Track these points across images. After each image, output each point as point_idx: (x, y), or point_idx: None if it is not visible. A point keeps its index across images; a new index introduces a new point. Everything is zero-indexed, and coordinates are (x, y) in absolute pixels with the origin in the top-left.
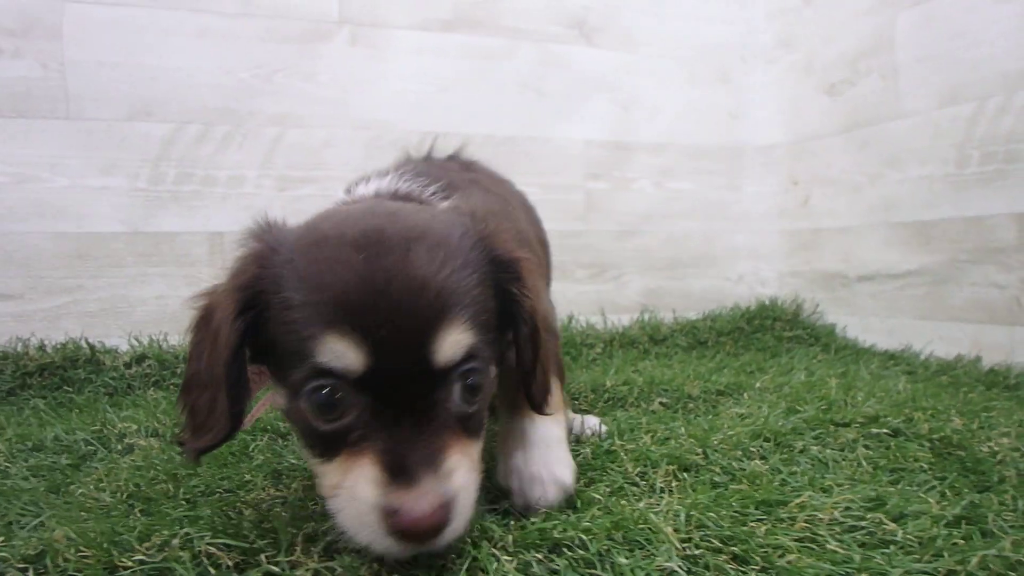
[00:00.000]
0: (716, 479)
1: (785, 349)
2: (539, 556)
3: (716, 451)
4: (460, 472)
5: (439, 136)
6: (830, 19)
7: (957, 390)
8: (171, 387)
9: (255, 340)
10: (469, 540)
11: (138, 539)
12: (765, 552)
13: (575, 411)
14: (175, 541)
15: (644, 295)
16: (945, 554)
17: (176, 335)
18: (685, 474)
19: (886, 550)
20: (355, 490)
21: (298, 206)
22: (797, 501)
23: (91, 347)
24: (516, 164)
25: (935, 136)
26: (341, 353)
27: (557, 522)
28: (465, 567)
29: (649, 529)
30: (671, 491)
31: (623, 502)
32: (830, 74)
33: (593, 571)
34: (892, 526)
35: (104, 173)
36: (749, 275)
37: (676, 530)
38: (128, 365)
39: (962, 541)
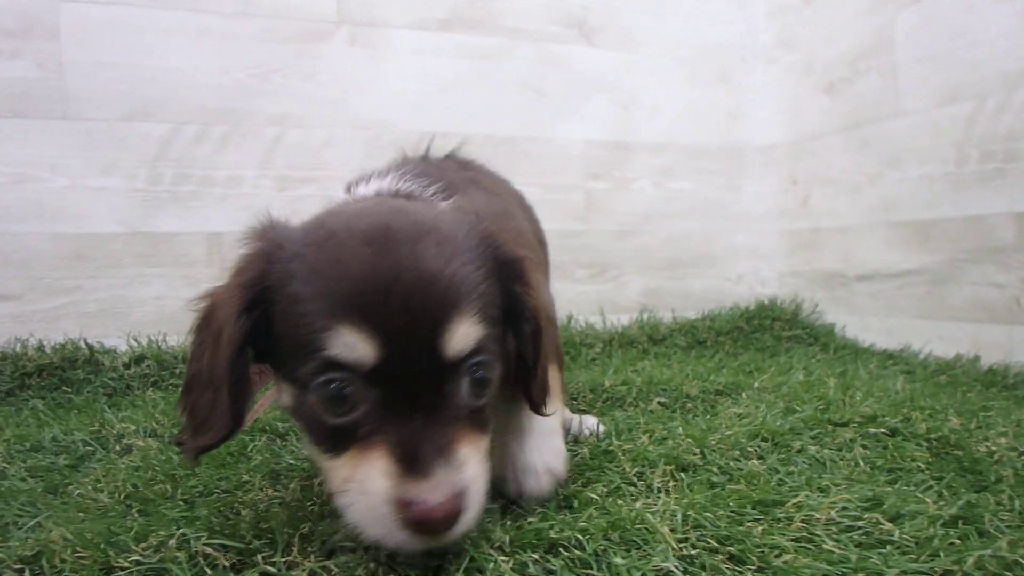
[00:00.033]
0: (713, 479)
1: (784, 349)
2: (535, 556)
3: (714, 451)
4: (471, 464)
5: (439, 136)
6: (830, 19)
7: (955, 390)
8: (170, 388)
9: (259, 338)
10: (468, 540)
11: (135, 540)
12: (761, 552)
13: (573, 411)
14: (172, 542)
15: (644, 295)
16: (941, 554)
17: (175, 335)
18: (682, 474)
19: (882, 550)
20: (367, 483)
21: (297, 206)
22: (794, 501)
23: (90, 348)
24: (516, 164)
25: (934, 135)
26: (353, 345)
27: (553, 522)
28: (463, 567)
29: (646, 529)
30: (668, 491)
31: (620, 502)
32: (830, 73)
33: (589, 571)
34: (889, 526)
35: (102, 173)
36: (749, 275)
37: (673, 530)
38: (127, 366)
39: (958, 541)
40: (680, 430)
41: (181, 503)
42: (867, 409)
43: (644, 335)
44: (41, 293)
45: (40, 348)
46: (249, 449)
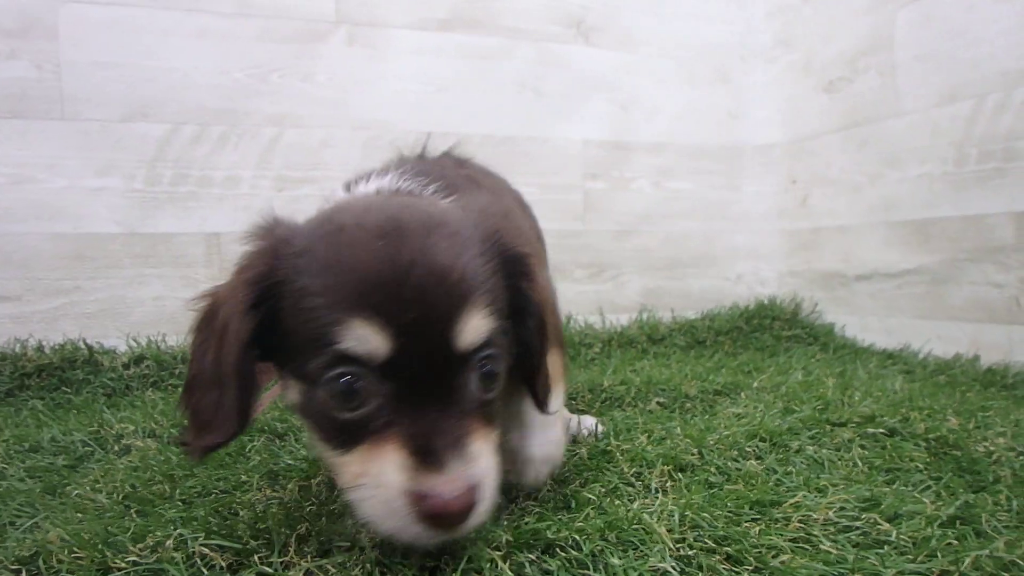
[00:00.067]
0: (711, 479)
1: (783, 349)
2: (532, 556)
3: (712, 451)
4: (484, 457)
5: (438, 136)
6: (829, 18)
7: (954, 390)
8: (169, 388)
9: (264, 336)
10: (465, 540)
11: (132, 540)
12: (759, 552)
13: (572, 411)
14: (169, 542)
15: (643, 295)
16: (939, 554)
17: (174, 336)
18: (680, 474)
19: (880, 550)
20: (381, 477)
21: (296, 206)
22: (792, 501)
23: (89, 348)
24: (515, 164)
25: (934, 135)
26: (365, 338)
27: (551, 522)
28: (460, 568)
29: (643, 529)
30: (666, 491)
31: (617, 502)
32: (829, 73)
33: (586, 571)
34: (886, 526)
35: (101, 174)
36: (748, 275)
37: (670, 530)
38: (126, 366)
39: (956, 541)
40: (678, 430)
41: (179, 503)
42: (865, 409)
43: (643, 335)
44: (40, 294)
45: (39, 348)
46: (248, 449)
